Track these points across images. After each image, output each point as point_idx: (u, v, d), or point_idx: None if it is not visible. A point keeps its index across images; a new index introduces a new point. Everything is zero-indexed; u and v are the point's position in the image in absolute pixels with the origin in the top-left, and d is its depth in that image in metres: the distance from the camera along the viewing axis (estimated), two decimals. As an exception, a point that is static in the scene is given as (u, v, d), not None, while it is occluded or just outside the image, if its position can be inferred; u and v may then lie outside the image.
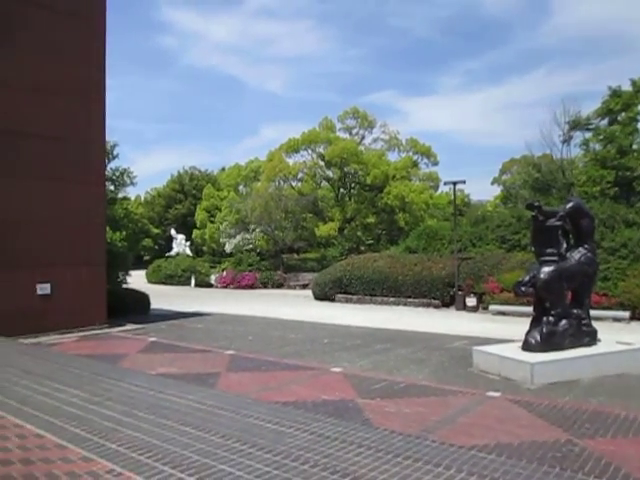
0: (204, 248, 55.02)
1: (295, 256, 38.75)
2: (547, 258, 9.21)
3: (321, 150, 39.64)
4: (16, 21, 13.15)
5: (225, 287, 31.18)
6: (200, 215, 54.62)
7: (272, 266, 33.10)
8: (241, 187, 52.27)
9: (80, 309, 13.94)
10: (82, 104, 14.31)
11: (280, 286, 30.64)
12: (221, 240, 40.65)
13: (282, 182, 40.19)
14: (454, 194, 21.91)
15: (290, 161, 40.39)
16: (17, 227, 12.94)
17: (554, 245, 9.26)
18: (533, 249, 9.99)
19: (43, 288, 13.30)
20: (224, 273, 32.46)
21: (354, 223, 40.78)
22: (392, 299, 20.68)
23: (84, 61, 14.45)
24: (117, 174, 33.35)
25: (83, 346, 11.90)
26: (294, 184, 41.27)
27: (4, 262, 12.67)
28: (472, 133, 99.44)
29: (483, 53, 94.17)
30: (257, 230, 36.05)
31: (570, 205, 9.48)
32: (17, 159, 13.06)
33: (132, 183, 37.72)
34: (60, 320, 13.39)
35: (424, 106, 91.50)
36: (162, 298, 22.16)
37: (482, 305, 18.34)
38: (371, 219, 40.51)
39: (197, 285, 32.72)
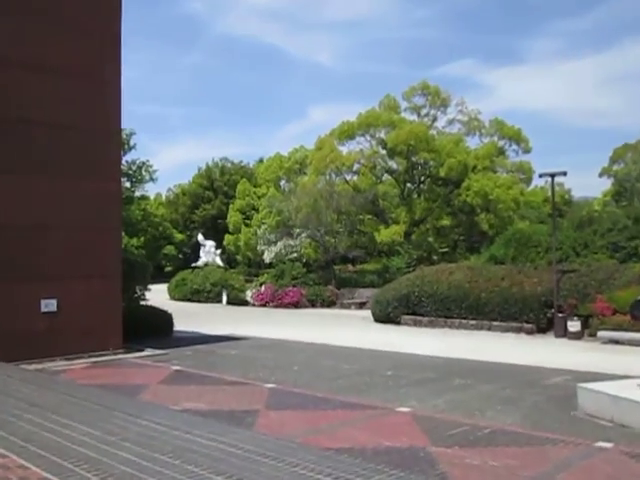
0: (238, 257, 55.81)
1: (350, 267, 38.78)
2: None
3: (382, 135, 39.61)
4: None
5: (264, 305, 31.49)
6: (233, 217, 55.53)
7: (322, 280, 33.26)
8: (283, 182, 52.81)
9: (91, 330, 14.36)
10: (94, 86, 14.81)
11: (331, 305, 30.75)
12: (259, 248, 41.07)
13: (334, 175, 40.34)
14: (552, 189, 21.43)
15: (344, 149, 40.56)
16: (17, 232, 13.48)
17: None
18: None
19: (48, 305, 13.78)
20: (262, 288, 32.82)
21: (424, 226, 40.50)
22: (472, 322, 20.43)
23: (96, 36, 14.96)
24: (134, 168, 34.42)
25: (95, 374, 12.27)
26: (349, 178, 41.36)
27: (2, 274, 13.21)
28: (574, 112, 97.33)
29: (589, 10, 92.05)
30: (303, 235, 36.27)
31: None
32: (17, 151, 13.59)
33: (152, 179, 38.92)
34: (68, 343, 13.83)
35: (512, 78, 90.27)
36: (188, 318, 22.58)
37: (588, 331, 17.87)
38: (446, 221, 40.14)
39: (230, 302, 33.19)
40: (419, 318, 21.76)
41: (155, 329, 17.84)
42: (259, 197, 53.95)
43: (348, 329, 21.17)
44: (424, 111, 42.14)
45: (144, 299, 20.05)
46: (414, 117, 41.84)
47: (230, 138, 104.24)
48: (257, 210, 51.98)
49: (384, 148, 39.78)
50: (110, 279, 14.88)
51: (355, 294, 31.27)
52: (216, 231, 57.84)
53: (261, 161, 64.22)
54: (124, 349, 14.88)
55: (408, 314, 22.15)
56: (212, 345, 16.67)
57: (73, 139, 14.39)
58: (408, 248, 36.04)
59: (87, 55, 14.78)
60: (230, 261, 54.13)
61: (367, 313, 24.81)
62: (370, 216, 40.13)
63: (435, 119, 42.32)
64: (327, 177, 39.76)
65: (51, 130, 14.06)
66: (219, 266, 40.62)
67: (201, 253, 42.98)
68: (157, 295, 24.54)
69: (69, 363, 13.45)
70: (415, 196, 41.41)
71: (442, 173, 38.40)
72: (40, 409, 7.41)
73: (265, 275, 35.81)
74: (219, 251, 44.47)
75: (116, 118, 15.38)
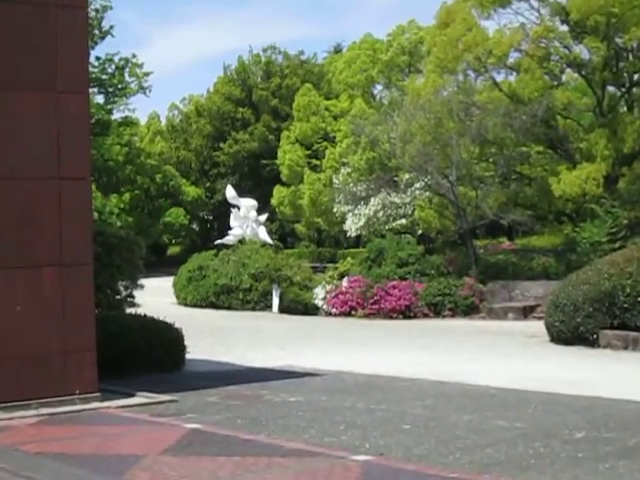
0: (299, 227, 56.13)
1: (506, 243, 38.45)
2: None
3: (560, -1, 39.03)
4: None
5: (347, 313, 31.79)
6: (289, 154, 55.72)
7: (453, 267, 33.24)
8: (379, 89, 52.70)
9: (43, 359, 14.63)
10: None
11: (471, 311, 30.90)
12: (336, 209, 41.26)
13: (473, 75, 39.96)
14: None
15: (490, 26, 40.16)
16: None
17: None
18: None
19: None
20: (344, 283, 33.03)
21: (641, 165, 39.79)
22: None
23: None
24: (111, 70, 34.96)
25: (51, 436, 12.50)
26: (500, 78, 40.92)
27: None
28: None
29: None
30: (417, 186, 36.23)
31: None
32: None
33: (142, 88, 39.60)
34: (3, 381, 14.23)
35: None
36: (211, 337, 22.94)
37: None
38: (682, 155, 39.32)
39: (285, 310, 33.61)
40: (633, 335, 21.52)
41: (153, 357, 18.01)
42: (335, 117, 54.03)
43: (502, 355, 21.08)
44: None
45: (133, 304, 20.38)
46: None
47: (280, 11, 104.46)
48: (332, 141, 52.10)
49: (564, 22, 39.16)
50: (73, 270, 15.08)
51: (513, 292, 31.18)
52: (259, 181, 58.43)
53: (338, 51, 64.21)
54: (100, 393, 15.07)
55: (612, 327, 21.96)
56: (256, 386, 16.72)
57: (4, 21, 14.72)
58: (612, 206, 35.46)
59: None
60: (285, 235, 54.62)
61: (538, 326, 24.71)
62: (541, 148, 39.64)
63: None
64: (460, 78, 39.44)
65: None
66: (265, 244, 40.86)
67: (232, 220, 43.26)
68: (155, 296, 24.90)
69: (7, 417, 13.68)
70: (623, 109, 40.64)
71: (674, 68, 37.67)
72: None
73: (348, 260, 35.96)
74: (264, 217, 44.56)
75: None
